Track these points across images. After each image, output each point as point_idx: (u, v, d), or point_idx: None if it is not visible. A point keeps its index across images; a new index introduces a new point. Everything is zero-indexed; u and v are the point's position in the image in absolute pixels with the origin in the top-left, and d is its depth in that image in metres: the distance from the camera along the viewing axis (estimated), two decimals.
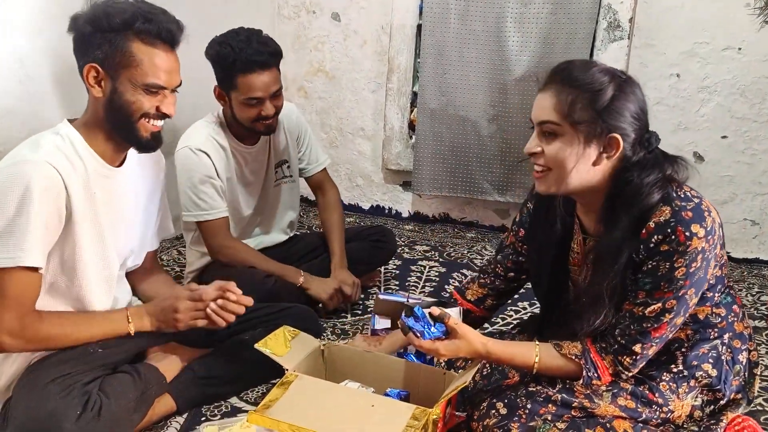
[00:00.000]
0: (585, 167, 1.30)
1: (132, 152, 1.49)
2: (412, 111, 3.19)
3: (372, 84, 3.23)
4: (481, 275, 1.67)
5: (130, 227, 1.52)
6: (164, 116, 1.39)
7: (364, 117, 3.30)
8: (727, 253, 2.62)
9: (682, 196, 1.29)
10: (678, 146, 2.69)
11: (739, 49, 2.65)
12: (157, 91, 1.35)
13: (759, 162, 2.75)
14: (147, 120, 1.37)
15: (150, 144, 1.41)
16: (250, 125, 1.98)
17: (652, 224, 1.26)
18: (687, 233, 1.24)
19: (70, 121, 1.41)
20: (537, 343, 1.40)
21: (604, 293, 1.31)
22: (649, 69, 2.74)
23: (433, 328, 1.38)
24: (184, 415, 1.56)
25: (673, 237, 1.24)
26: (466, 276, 2.58)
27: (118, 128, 1.38)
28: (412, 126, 3.19)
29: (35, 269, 1.27)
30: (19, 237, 1.22)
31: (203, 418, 1.55)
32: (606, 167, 1.31)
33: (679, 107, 2.75)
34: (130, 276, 1.62)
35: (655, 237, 1.26)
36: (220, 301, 1.47)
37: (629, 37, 2.76)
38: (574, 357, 1.36)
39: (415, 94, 3.15)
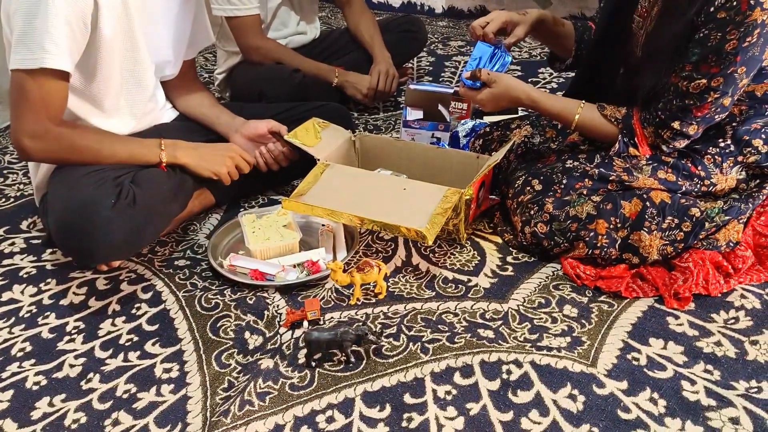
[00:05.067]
0: None
1: None
2: None
3: None
4: None
5: (165, 33, 1.44)
6: None
7: None
8: None
9: None
10: None
11: None
12: None
13: None
14: None
15: None
16: None
17: None
18: (752, 2, 1.12)
19: None
20: (583, 102, 1.36)
21: (667, 44, 1.23)
22: None
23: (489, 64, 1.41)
24: (223, 207, 1.61)
25: (734, 3, 1.13)
26: None
27: None
28: None
29: (61, 73, 1.21)
30: (38, 38, 1.16)
31: (241, 209, 1.60)
32: None
33: None
34: (169, 90, 1.58)
35: (718, 1, 1.14)
36: (270, 146, 1.54)
37: None
38: (613, 120, 1.33)
39: None
